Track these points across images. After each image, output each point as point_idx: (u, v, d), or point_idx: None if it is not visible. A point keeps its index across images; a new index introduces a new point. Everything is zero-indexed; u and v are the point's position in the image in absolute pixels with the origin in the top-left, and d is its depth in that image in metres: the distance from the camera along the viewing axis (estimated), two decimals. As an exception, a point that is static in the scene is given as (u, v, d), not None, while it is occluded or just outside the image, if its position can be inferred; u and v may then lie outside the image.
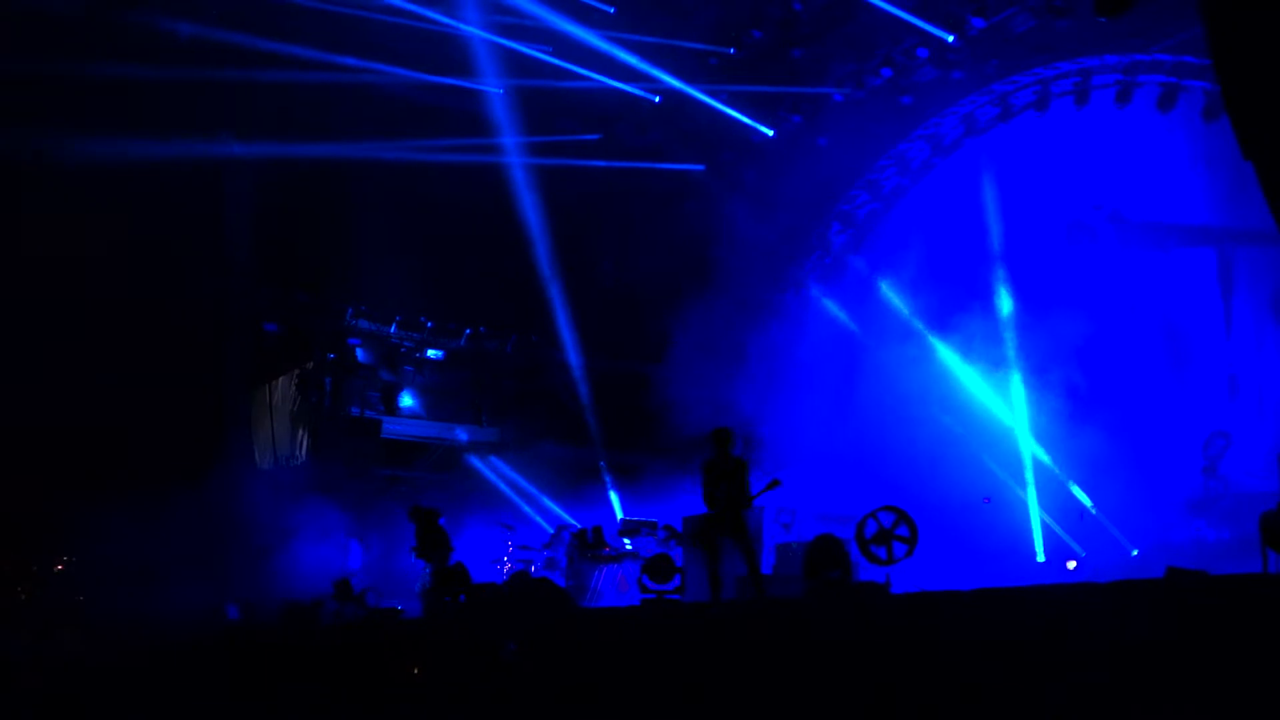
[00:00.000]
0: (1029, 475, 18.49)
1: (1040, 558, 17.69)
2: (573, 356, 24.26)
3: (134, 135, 18.94)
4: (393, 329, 24.50)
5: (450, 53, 20.78)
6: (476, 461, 24.67)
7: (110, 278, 19.76)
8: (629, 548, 18.40)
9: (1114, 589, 7.05)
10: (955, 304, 20.17)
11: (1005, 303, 19.61)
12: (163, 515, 19.60)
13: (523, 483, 23.74)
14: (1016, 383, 19.24)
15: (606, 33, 20.59)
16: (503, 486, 23.85)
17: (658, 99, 22.23)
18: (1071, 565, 16.96)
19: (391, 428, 24.55)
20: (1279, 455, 6.80)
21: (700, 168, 23.63)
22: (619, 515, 20.51)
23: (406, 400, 25.05)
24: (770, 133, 22.62)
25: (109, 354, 20.37)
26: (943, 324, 20.32)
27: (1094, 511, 17.38)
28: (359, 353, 24.33)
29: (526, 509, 23.21)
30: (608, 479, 22.91)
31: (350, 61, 20.30)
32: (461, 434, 25.11)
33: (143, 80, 18.31)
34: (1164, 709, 6.09)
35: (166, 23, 18.92)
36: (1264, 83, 6.39)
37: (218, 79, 19.03)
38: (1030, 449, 18.67)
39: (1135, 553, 16.51)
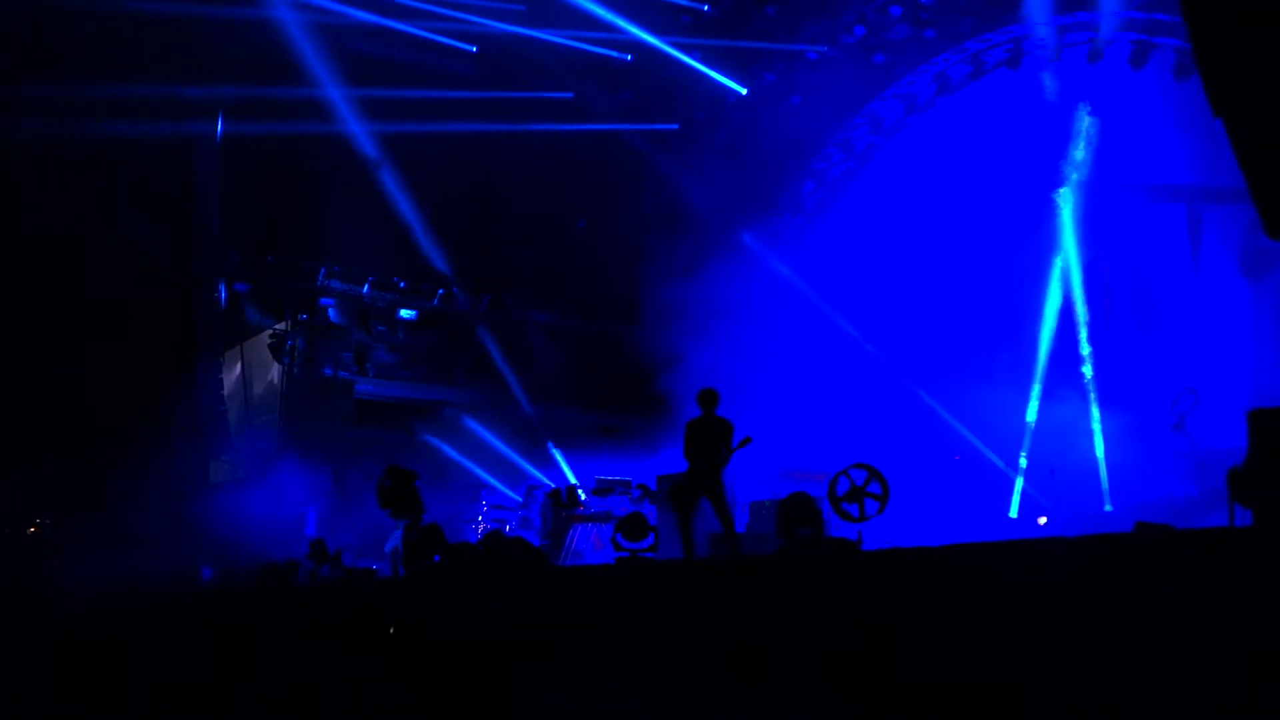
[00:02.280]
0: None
1: (1013, 513, 17.86)
2: (546, 316, 24.21)
3: (103, 105, 18.79)
4: (365, 289, 24.38)
5: (422, 11, 20.66)
6: (450, 421, 24.64)
7: (76, 244, 19.64)
8: (603, 507, 18.47)
9: (1083, 543, 7.13)
10: (926, 263, 20.24)
11: (976, 261, 19.68)
12: (133, 479, 19.55)
13: (496, 443, 23.73)
14: (986, 341, 19.36)
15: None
16: (477, 445, 23.84)
17: (630, 57, 22.12)
18: (1042, 521, 17.13)
19: (364, 388, 24.48)
20: (1247, 411, 6.88)
21: (674, 126, 23.53)
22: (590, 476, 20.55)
23: (379, 360, 24.97)
24: (744, 91, 22.54)
25: (77, 320, 20.26)
26: (914, 282, 20.38)
27: (1061, 469, 17.54)
28: (331, 313, 24.19)
29: (499, 470, 23.22)
30: (580, 438, 22.94)
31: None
32: (435, 394, 25.06)
33: (110, 40, 18.17)
34: (1132, 660, 6.18)
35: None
36: (1234, 40, 6.41)
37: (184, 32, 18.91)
38: (1001, 406, 18.79)
39: (1109, 508, 16.69)
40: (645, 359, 21.09)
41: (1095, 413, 17.83)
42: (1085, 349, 18.55)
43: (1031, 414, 18.66)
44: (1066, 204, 19.15)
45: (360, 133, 21.05)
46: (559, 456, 22.79)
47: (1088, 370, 18.38)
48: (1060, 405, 18.07)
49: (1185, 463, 16.30)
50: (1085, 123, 19.10)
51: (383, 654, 12.74)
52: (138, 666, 14.50)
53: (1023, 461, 18.30)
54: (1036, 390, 18.77)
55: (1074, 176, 19.14)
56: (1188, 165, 17.71)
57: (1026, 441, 18.46)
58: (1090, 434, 17.45)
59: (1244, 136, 6.53)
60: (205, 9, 18.99)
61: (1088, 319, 18.84)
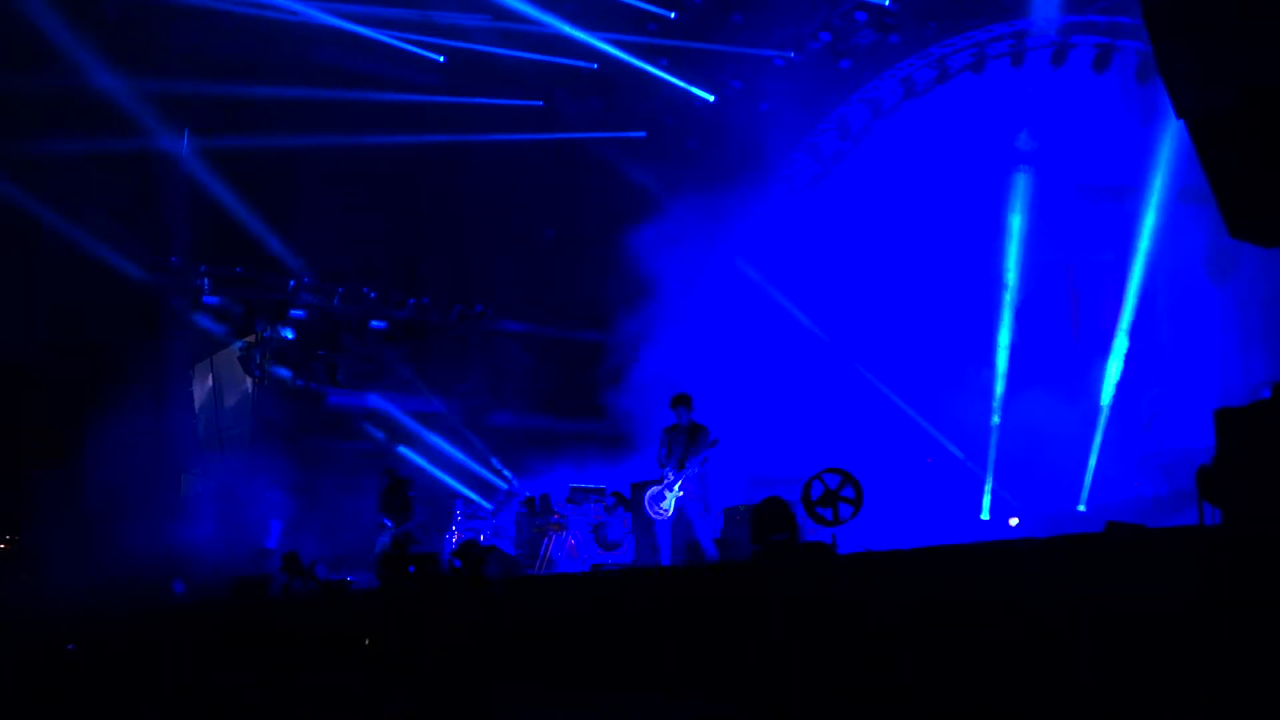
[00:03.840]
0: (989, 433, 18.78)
1: (984, 515, 17.96)
2: (517, 325, 24.17)
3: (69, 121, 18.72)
4: (335, 300, 24.29)
5: (389, 20, 20.64)
6: (421, 431, 24.57)
7: (42, 257, 19.55)
8: (576, 515, 18.47)
9: (1054, 544, 7.18)
10: (894, 267, 20.35)
11: (944, 263, 19.80)
12: (103, 493, 19.42)
13: (466, 451, 23.71)
14: (954, 344, 19.48)
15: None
16: (449, 455, 23.79)
17: (595, 65, 22.14)
18: (1014, 522, 17.24)
19: (335, 399, 24.38)
20: (1214, 411, 6.94)
21: (642, 135, 23.55)
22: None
23: (350, 371, 24.88)
24: (711, 98, 22.59)
25: (44, 334, 20.15)
26: (883, 285, 20.49)
27: (1032, 469, 17.65)
28: (301, 325, 24.09)
29: (471, 479, 23.18)
30: (552, 447, 22.93)
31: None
32: (407, 404, 24.99)
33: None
34: (1103, 660, 6.22)
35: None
36: (1195, 41, 6.47)
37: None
38: (970, 408, 18.90)
39: (1082, 508, 16.81)
40: (615, 367, 21.11)
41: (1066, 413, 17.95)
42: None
43: (996, 415, 18.80)
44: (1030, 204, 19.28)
45: (328, 143, 20.94)
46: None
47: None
48: (1027, 405, 18.18)
49: (1154, 463, 16.44)
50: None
51: (358, 667, 12.69)
52: (108, 681, 14.41)
53: (990, 461, 18.44)
54: (999, 389, 18.93)
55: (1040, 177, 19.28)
56: (1151, 166, 17.86)
57: (993, 442, 18.59)
58: (1060, 434, 17.55)
59: (1206, 137, 6.60)
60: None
61: (1053, 320, 19.04)
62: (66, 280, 19.84)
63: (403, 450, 23.78)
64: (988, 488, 18.23)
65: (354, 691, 12.38)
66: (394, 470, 19.20)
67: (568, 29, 20.88)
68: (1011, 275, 19.17)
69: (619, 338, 21.35)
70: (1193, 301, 17.86)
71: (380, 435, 24.36)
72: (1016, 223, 19.15)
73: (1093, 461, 17.20)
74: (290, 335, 23.70)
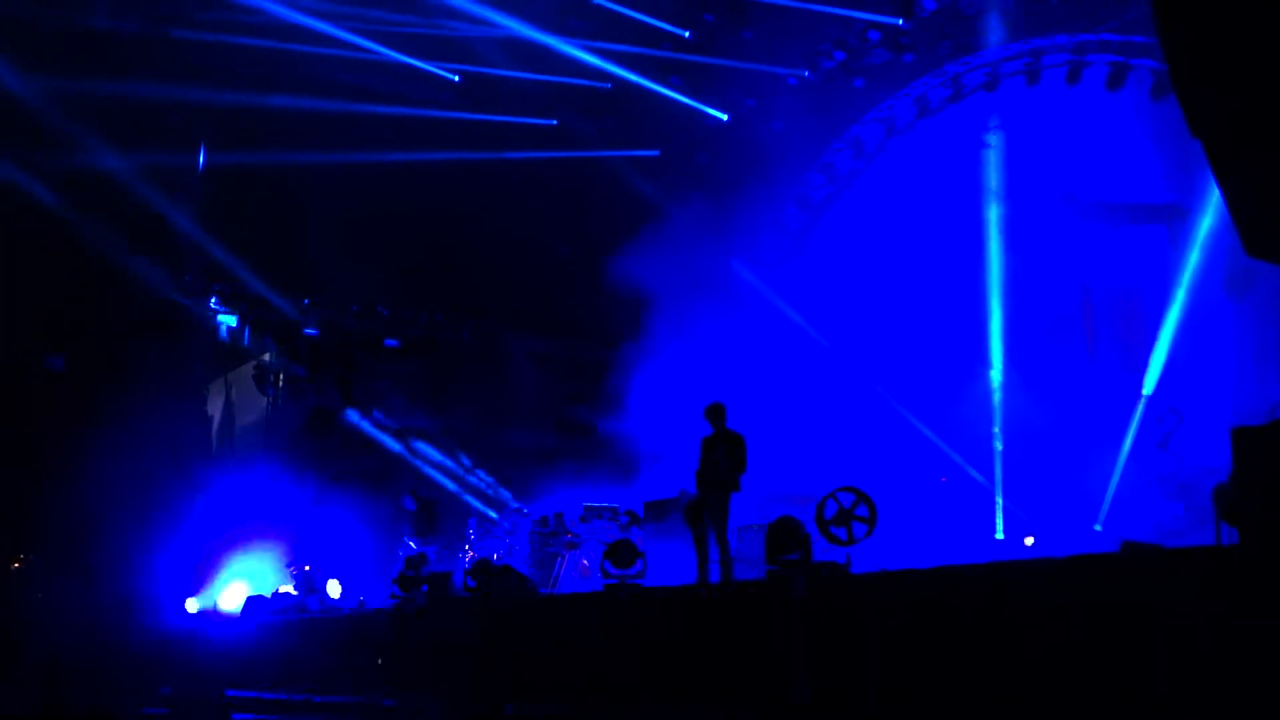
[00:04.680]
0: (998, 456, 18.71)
1: (999, 534, 17.85)
2: (530, 343, 24.18)
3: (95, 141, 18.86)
4: (349, 318, 24.35)
5: (405, 42, 20.74)
6: (431, 449, 24.60)
7: (66, 277, 19.66)
8: (589, 533, 18.41)
9: (1071, 564, 7.14)
10: (908, 285, 20.29)
11: (959, 283, 19.74)
12: (118, 510, 19.47)
13: (477, 468, 23.73)
14: (970, 362, 19.42)
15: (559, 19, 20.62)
16: (462, 472, 23.81)
17: (609, 85, 22.18)
18: (1029, 541, 17.11)
19: (349, 417, 24.42)
20: (1231, 429, 6.88)
21: (655, 153, 23.58)
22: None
23: (364, 389, 24.92)
24: (724, 117, 22.61)
25: (61, 352, 20.23)
26: (898, 304, 20.43)
27: (1049, 488, 17.55)
28: (315, 342, 24.16)
29: (485, 496, 23.17)
30: (563, 464, 22.92)
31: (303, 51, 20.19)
32: (420, 422, 25.01)
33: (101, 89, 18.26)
34: (1121, 679, 6.18)
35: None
36: (1211, 58, 6.44)
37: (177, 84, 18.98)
38: (987, 427, 18.82)
39: (1099, 528, 16.69)
40: (626, 383, 21.08)
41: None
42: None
43: (998, 441, 18.77)
44: (1046, 223, 19.24)
45: (343, 159, 21.02)
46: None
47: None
48: (1043, 423, 18.08)
49: (1170, 482, 16.32)
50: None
51: (374, 686, 12.68)
52: (125, 694, 14.44)
53: (998, 480, 18.39)
54: (997, 402, 18.91)
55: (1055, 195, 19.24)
56: (1167, 184, 17.81)
57: (998, 461, 18.53)
58: (1077, 453, 17.45)
59: (1221, 155, 6.56)
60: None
61: (1070, 338, 18.97)
62: (85, 294, 19.95)
63: (416, 465, 23.81)
64: (999, 506, 18.13)
65: (366, 710, 12.37)
66: (416, 491, 19.23)
67: (580, 54, 20.91)
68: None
69: (630, 354, 21.32)
70: (1209, 320, 17.76)
71: (393, 452, 24.40)
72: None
73: (1115, 481, 17.09)
74: (317, 348, 23.79)
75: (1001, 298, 19.42)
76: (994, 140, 19.71)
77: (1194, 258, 17.23)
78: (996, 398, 18.92)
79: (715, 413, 13.61)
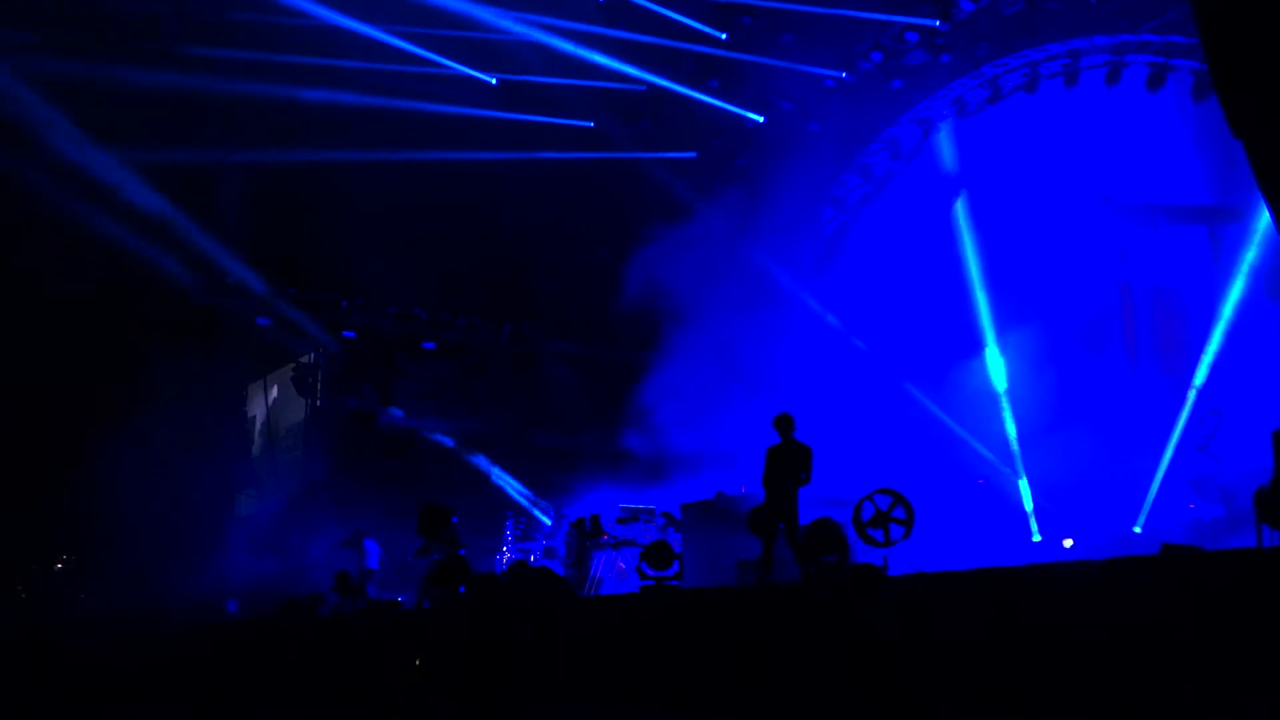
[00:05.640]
0: (1018, 456, 18.64)
1: (1036, 537, 17.77)
2: (566, 346, 24.23)
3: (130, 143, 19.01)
4: (386, 321, 24.48)
5: (444, 44, 20.83)
6: (472, 450, 24.67)
7: (104, 279, 19.83)
8: (626, 535, 18.42)
9: (1109, 566, 7.09)
10: (944, 287, 20.22)
11: (1000, 285, 19.68)
12: (159, 513, 19.64)
13: (515, 471, 23.79)
14: (1007, 365, 19.35)
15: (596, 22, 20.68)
16: (496, 475, 23.88)
17: (644, 88, 22.21)
18: (1068, 544, 17.02)
19: (387, 419, 24.54)
20: (1272, 432, 6.82)
21: (692, 155, 23.59)
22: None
23: (402, 391, 25.03)
24: (761, 119, 22.60)
25: (101, 353, 20.42)
26: (936, 307, 20.36)
27: (1088, 490, 17.46)
28: (353, 345, 24.28)
29: (521, 498, 23.23)
30: (599, 466, 22.96)
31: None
32: (458, 424, 25.11)
33: (137, 89, 18.40)
34: (1160, 683, 6.14)
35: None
36: (1253, 59, 6.40)
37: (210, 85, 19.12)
38: (1024, 430, 18.75)
39: (1138, 529, 16.60)
40: (664, 387, 21.07)
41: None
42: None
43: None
44: (1084, 224, 19.14)
45: (381, 158, 21.13)
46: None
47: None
48: (1084, 426, 17.97)
49: (1210, 484, 16.20)
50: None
51: (407, 686, 12.73)
52: (157, 697, 14.56)
53: (1023, 483, 18.36)
54: (1006, 406, 18.84)
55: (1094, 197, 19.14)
56: (1207, 186, 17.66)
57: (1019, 464, 18.49)
58: (1116, 455, 17.35)
59: (1263, 156, 6.52)
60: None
61: (1111, 340, 18.87)
62: (124, 295, 20.13)
63: (453, 468, 23.88)
64: (1029, 509, 18.08)
65: (397, 710, 12.42)
66: (434, 503, 19.12)
67: (615, 63, 20.98)
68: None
69: (665, 357, 21.31)
70: (1251, 322, 17.59)
71: (432, 454, 24.49)
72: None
73: (1156, 484, 16.98)
74: (355, 350, 23.87)
75: (1039, 300, 19.33)
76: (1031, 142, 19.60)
77: (1239, 259, 17.09)
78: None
79: (784, 423, 13.67)
